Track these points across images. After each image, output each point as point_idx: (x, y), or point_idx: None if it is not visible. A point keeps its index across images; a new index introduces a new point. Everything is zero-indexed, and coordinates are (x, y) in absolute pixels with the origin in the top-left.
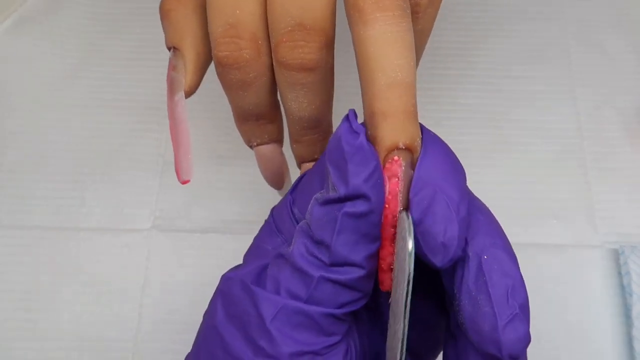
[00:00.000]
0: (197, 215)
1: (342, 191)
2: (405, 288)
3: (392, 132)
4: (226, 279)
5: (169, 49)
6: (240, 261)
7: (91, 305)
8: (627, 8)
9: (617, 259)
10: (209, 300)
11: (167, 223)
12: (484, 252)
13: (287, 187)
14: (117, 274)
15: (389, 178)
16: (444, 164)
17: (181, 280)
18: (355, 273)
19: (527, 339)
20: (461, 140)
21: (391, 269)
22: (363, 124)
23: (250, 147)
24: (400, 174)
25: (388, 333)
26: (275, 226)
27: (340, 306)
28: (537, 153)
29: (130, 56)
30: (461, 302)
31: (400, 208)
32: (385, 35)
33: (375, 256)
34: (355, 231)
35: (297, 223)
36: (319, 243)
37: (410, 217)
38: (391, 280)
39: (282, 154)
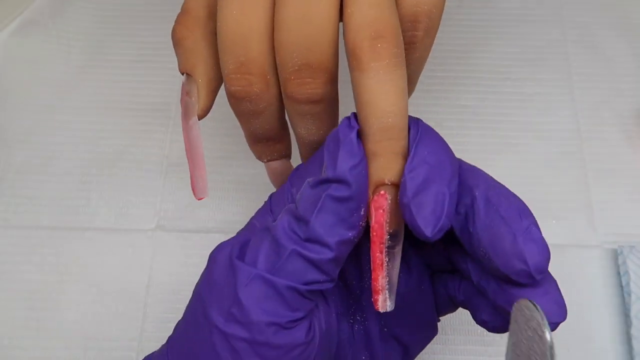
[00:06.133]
0: (201, 216)
1: (330, 173)
2: None
3: (381, 170)
4: (217, 247)
5: (182, 74)
6: None
7: (96, 305)
8: (625, 11)
9: (616, 258)
10: None
11: (171, 223)
12: (489, 192)
13: None
14: (122, 273)
15: (376, 209)
16: (437, 146)
17: (185, 280)
18: (326, 254)
19: (546, 248)
20: (461, 141)
21: (379, 291)
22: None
23: (262, 161)
24: (386, 206)
25: None
26: (270, 207)
27: (306, 283)
28: (536, 154)
29: (135, 58)
30: (479, 236)
31: (387, 236)
32: (379, 84)
33: (347, 244)
34: (334, 213)
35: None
36: (300, 219)
37: (539, 306)
38: (378, 302)
39: (291, 167)
